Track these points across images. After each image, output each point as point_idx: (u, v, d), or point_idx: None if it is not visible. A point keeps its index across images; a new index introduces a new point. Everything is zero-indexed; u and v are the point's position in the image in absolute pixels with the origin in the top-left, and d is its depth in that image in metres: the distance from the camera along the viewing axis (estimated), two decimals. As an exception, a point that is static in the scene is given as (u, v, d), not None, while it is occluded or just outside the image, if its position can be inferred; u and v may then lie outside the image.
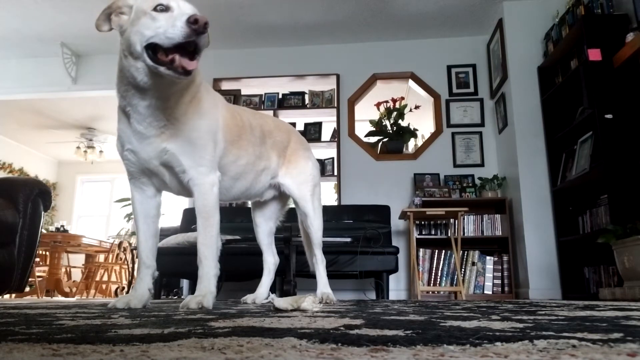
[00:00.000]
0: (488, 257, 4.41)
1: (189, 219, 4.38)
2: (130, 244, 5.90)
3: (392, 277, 4.10)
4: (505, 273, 4.35)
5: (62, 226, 6.35)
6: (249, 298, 2.30)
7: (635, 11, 3.19)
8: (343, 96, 5.16)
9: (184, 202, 4.75)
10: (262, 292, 2.32)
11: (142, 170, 1.68)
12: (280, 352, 0.48)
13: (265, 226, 2.37)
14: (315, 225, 2.22)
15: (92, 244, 6.45)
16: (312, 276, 2.32)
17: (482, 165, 4.85)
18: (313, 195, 2.22)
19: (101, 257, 6.81)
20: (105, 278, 6.58)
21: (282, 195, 2.30)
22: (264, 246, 2.37)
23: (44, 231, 5.02)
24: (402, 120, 5.06)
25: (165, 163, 1.62)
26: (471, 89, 5.06)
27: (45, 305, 2.01)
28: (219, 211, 1.66)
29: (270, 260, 2.38)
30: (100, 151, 7.98)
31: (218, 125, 1.70)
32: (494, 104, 4.88)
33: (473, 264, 4.40)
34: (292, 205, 2.44)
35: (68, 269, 6.96)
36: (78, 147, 7.81)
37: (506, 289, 4.31)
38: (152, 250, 1.75)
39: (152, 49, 1.41)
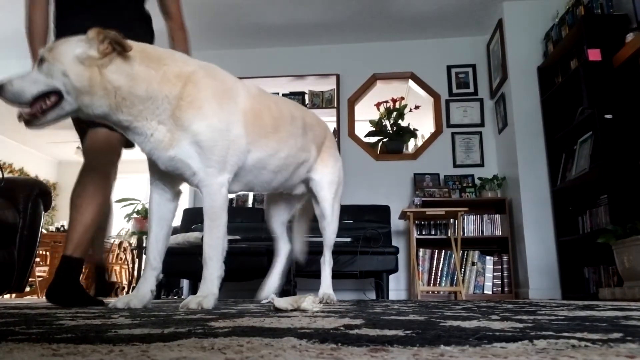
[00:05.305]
0: (488, 257, 4.41)
1: (189, 219, 4.38)
2: (130, 244, 5.90)
3: (392, 277, 4.10)
4: (505, 273, 4.35)
5: (63, 226, 6.35)
6: (262, 294, 2.24)
7: (635, 11, 3.19)
8: (343, 96, 5.17)
9: (184, 202, 4.75)
10: (273, 281, 2.25)
11: (162, 173, 1.68)
12: (280, 352, 0.48)
13: (278, 217, 2.34)
14: (330, 228, 2.21)
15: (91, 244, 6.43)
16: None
17: (482, 165, 4.85)
18: (335, 198, 2.21)
19: (101, 257, 6.79)
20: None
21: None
22: (278, 234, 2.33)
23: (44, 231, 5.02)
24: (402, 120, 5.07)
25: (175, 169, 1.61)
26: (471, 89, 5.06)
27: (45, 305, 2.01)
28: (226, 212, 1.65)
29: (283, 246, 2.33)
30: (100, 151, 7.98)
31: (233, 121, 1.64)
32: (493, 104, 4.88)
33: (473, 264, 4.40)
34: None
35: (68, 269, 6.94)
36: (78, 147, 7.79)
37: (506, 289, 4.31)
38: (161, 252, 1.75)
39: None
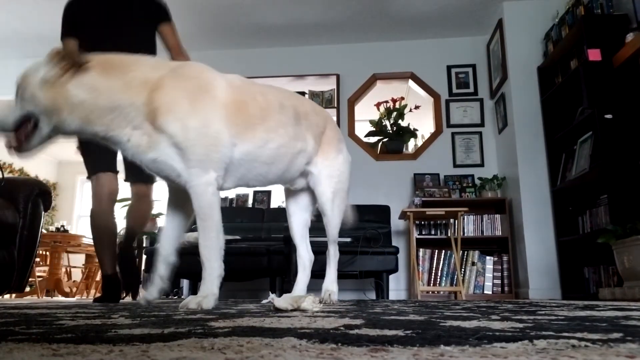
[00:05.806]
0: (488, 257, 4.41)
1: (189, 219, 4.39)
2: (130, 244, 5.89)
3: (392, 277, 4.10)
4: (505, 273, 4.35)
5: (62, 226, 6.34)
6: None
7: (635, 11, 3.19)
8: (343, 96, 5.17)
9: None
10: (299, 290, 2.15)
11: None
12: (280, 352, 0.48)
13: (299, 216, 2.22)
14: (332, 224, 2.12)
15: (92, 244, 6.43)
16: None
17: (482, 165, 4.85)
18: (335, 193, 2.08)
19: (101, 257, 6.79)
20: (105, 278, 6.56)
21: None
22: (298, 238, 2.21)
23: (44, 231, 5.03)
24: (402, 120, 5.07)
25: (159, 172, 1.61)
26: (471, 89, 5.06)
27: (45, 305, 2.01)
28: (218, 211, 1.62)
29: (305, 256, 2.20)
30: (100, 151, 7.96)
31: (212, 117, 1.59)
32: (493, 104, 4.88)
33: (473, 264, 4.40)
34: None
35: (68, 269, 6.95)
36: (77, 147, 7.79)
37: (506, 289, 4.31)
38: (171, 240, 1.88)
39: None
